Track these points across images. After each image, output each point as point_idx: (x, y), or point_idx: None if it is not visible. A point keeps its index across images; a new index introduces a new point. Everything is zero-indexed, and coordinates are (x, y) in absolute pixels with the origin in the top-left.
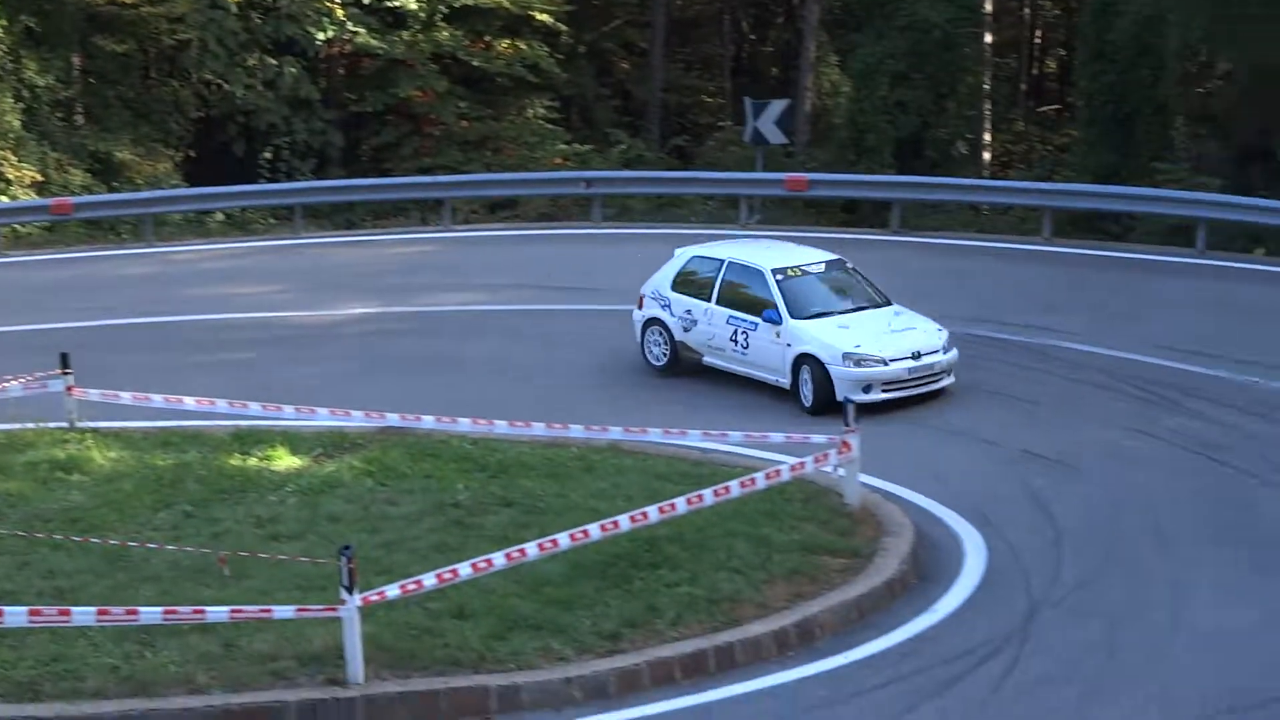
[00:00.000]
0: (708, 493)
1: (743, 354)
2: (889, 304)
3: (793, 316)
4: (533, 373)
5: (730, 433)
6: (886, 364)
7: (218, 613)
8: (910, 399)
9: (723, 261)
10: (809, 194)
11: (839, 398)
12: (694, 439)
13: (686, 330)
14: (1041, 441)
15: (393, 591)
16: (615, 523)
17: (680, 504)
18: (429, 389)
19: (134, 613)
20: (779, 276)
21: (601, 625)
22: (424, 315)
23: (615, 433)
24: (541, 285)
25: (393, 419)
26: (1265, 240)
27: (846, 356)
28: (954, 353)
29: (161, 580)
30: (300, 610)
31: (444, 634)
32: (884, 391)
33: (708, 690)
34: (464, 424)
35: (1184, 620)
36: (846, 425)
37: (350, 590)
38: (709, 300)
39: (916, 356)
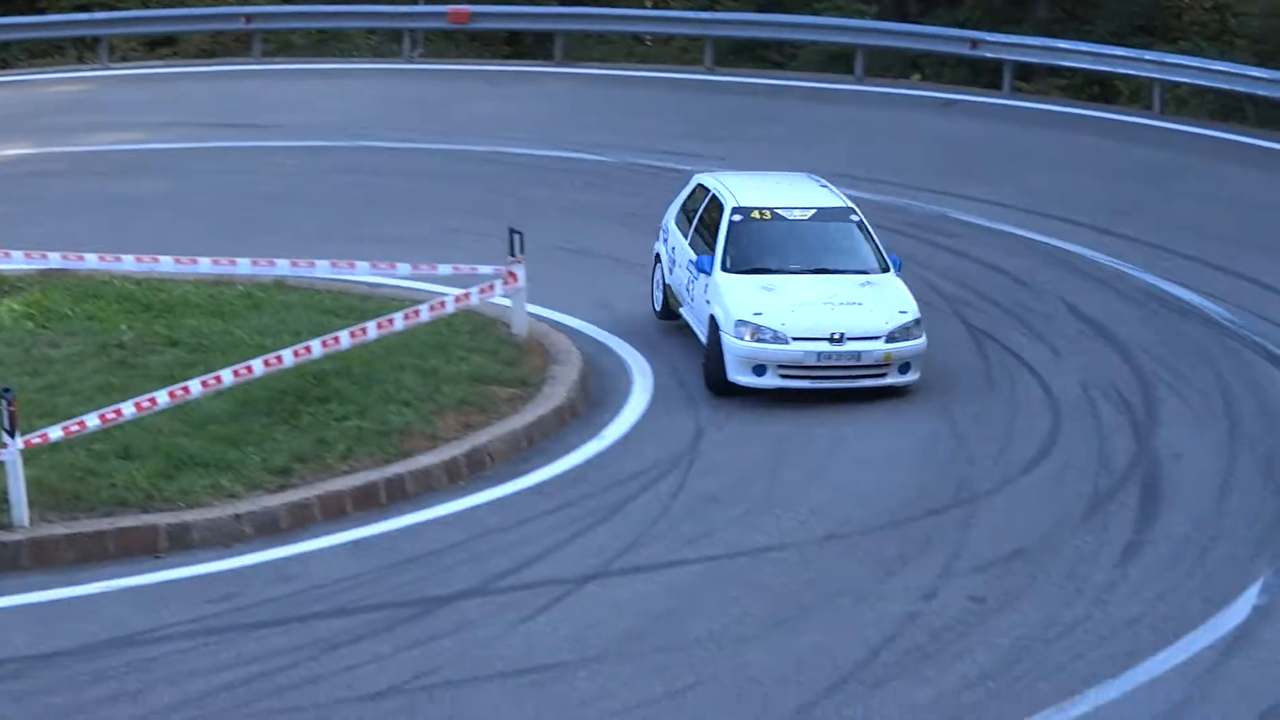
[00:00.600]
0: (371, 325)
1: (690, 305)
2: (876, 271)
3: (725, 268)
4: (200, 210)
5: (399, 265)
6: (786, 342)
7: None
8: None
9: (709, 192)
10: (471, 26)
11: (729, 377)
12: (362, 272)
13: (670, 272)
14: None
15: (55, 433)
16: (279, 358)
17: (344, 337)
18: (91, 229)
19: None
20: (737, 217)
21: (270, 461)
22: (83, 155)
23: (282, 267)
24: (204, 123)
25: (54, 259)
26: (922, 66)
27: (741, 325)
28: (916, 343)
29: None
30: None
31: (110, 475)
32: (782, 378)
33: (379, 522)
34: (128, 262)
35: (844, 442)
36: (512, 255)
37: (11, 433)
38: (688, 237)
39: (837, 339)
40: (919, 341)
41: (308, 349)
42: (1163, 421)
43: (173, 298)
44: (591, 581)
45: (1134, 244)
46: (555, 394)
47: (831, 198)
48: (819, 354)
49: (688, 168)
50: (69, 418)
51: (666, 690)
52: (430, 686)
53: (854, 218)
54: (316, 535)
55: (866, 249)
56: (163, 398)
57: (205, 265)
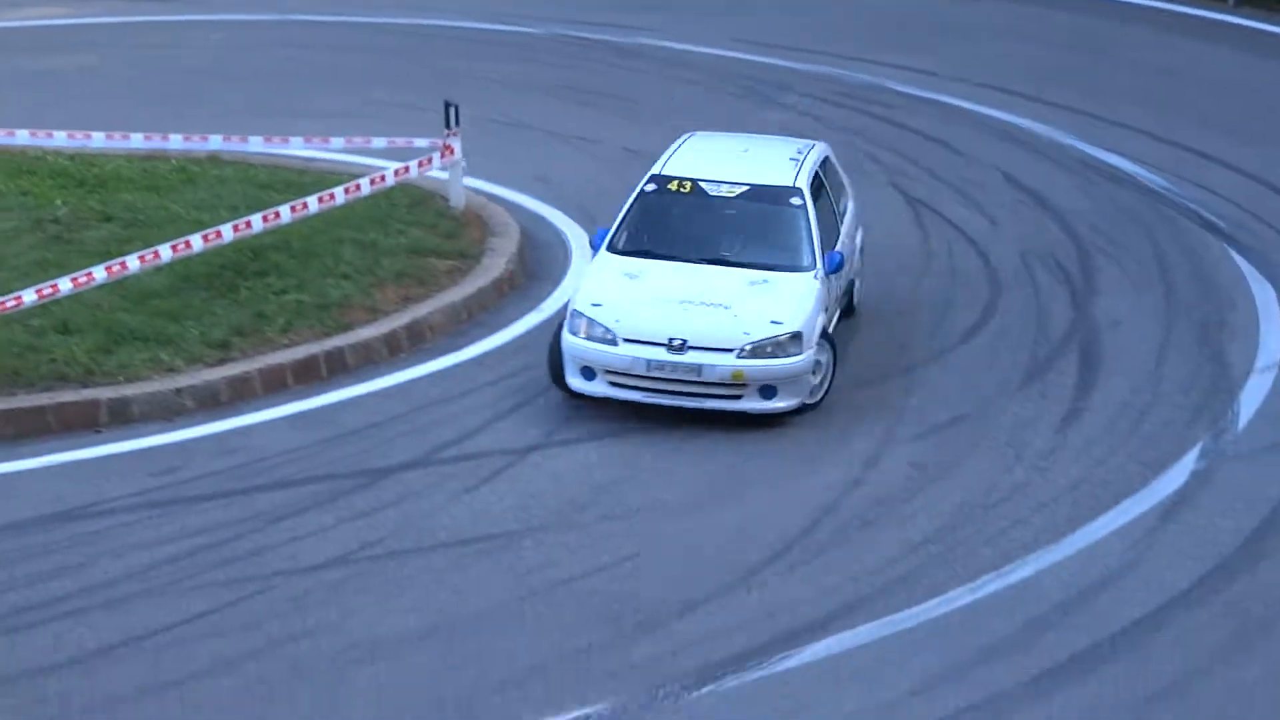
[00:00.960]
0: (312, 200)
1: None
2: (792, 268)
3: (611, 246)
4: (127, 86)
5: (333, 139)
6: (615, 344)
7: None
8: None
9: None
10: None
11: (567, 378)
12: (296, 146)
13: None
14: (643, 139)
15: None
16: (218, 232)
17: (285, 212)
18: (18, 106)
19: None
20: (650, 186)
21: (210, 335)
22: (6, 31)
23: (215, 142)
24: None
25: None
26: None
27: (576, 317)
28: (787, 363)
29: None
30: None
31: (49, 350)
32: (611, 385)
33: (320, 394)
34: (59, 138)
35: None
36: (448, 128)
37: None
38: None
39: (677, 347)
40: (792, 361)
41: (248, 223)
42: (1100, 289)
43: (106, 173)
44: (534, 452)
45: (1070, 113)
46: (494, 266)
47: (783, 174)
48: (649, 362)
49: (615, 39)
50: (5, 293)
51: (612, 559)
52: (375, 557)
53: (795, 201)
54: (257, 408)
55: (796, 240)
56: (100, 273)
57: (137, 140)
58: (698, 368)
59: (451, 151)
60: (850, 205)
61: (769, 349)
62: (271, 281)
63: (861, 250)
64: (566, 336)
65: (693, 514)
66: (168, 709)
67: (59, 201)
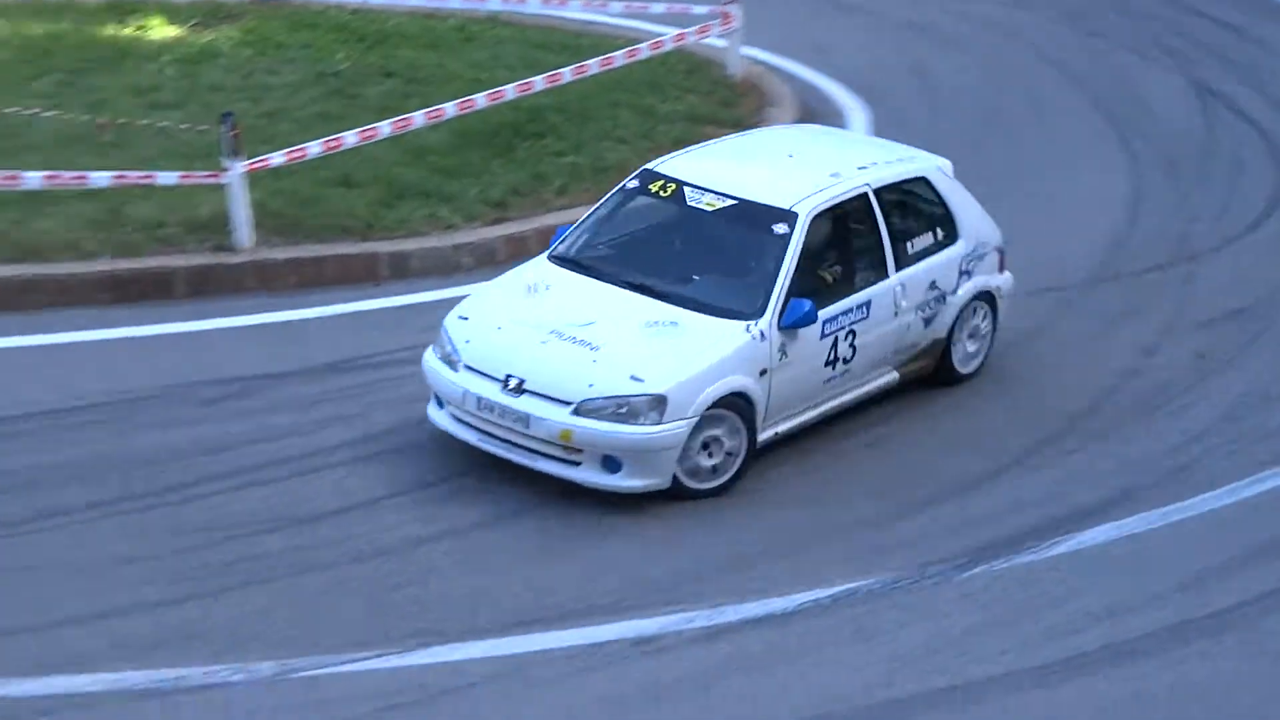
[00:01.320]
0: (593, 63)
1: None
2: (730, 314)
3: (556, 253)
4: None
5: (611, 3)
6: (455, 369)
7: (100, 178)
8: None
9: None
10: None
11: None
12: (574, 9)
13: None
14: (921, 13)
15: (277, 159)
16: (501, 92)
17: (566, 74)
18: None
19: (15, 178)
20: (633, 183)
21: (488, 193)
22: None
23: (494, 3)
24: None
25: None
26: None
27: (443, 330)
28: (636, 433)
29: (43, 149)
30: (184, 177)
31: (330, 202)
32: (454, 419)
33: None
34: None
35: (1060, 193)
36: None
37: (234, 156)
38: None
39: (512, 388)
40: (645, 433)
41: (529, 84)
42: None
43: (386, 29)
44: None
45: None
46: None
47: (793, 192)
48: (480, 399)
49: None
50: (289, 145)
51: (878, 436)
52: None
53: (778, 229)
54: None
55: (752, 277)
56: (385, 128)
57: None
58: (525, 418)
59: (730, 19)
60: (962, 244)
61: (618, 410)
62: (548, 143)
63: (985, 300)
64: (426, 352)
65: (966, 394)
66: (434, 561)
67: (340, 56)
